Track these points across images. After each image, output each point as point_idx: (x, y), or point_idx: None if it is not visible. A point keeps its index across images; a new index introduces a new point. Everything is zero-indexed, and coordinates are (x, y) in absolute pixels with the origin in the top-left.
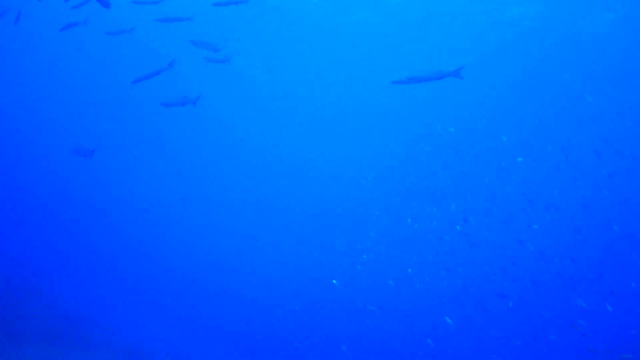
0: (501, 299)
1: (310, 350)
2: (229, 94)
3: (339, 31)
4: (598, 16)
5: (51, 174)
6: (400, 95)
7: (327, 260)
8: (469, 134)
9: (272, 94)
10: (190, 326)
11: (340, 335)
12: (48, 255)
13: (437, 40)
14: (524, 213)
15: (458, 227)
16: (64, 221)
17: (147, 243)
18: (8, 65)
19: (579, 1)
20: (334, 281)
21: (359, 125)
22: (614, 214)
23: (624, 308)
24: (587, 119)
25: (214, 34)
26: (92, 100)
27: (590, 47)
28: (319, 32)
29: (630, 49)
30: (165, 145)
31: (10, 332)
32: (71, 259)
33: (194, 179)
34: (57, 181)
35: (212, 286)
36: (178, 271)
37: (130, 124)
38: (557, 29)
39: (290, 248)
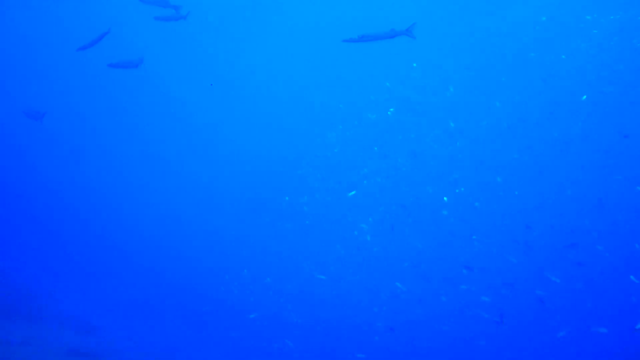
0: (458, 268)
1: (260, 321)
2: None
3: None
4: None
5: None
6: (350, 56)
7: (275, 227)
8: (420, 94)
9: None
10: (137, 300)
11: (289, 304)
12: None
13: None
14: (480, 179)
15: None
16: (14, 194)
17: (99, 217)
18: None
19: None
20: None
21: (307, 87)
22: (570, 183)
23: (591, 281)
24: (539, 80)
25: None
26: (44, 63)
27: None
28: None
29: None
30: (118, 114)
31: None
32: (22, 233)
33: (145, 146)
34: (4, 151)
35: (162, 259)
36: (129, 246)
37: (82, 87)
38: None
39: (237, 215)
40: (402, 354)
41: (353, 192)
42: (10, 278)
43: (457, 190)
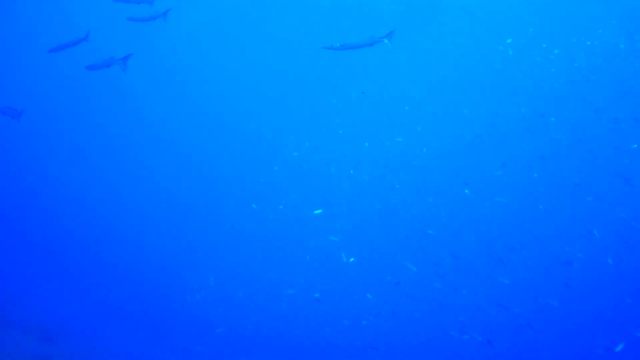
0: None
1: (228, 338)
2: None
3: None
4: None
5: None
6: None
7: (243, 235)
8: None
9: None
10: (102, 307)
11: (255, 317)
12: None
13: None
14: (450, 190)
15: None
16: None
17: (64, 223)
18: None
19: None
20: None
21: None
22: (541, 194)
23: (573, 301)
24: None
25: None
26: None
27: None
28: None
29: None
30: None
31: None
32: None
33: (115, 149)
34: None
35: (128, 267)
36: (94, 253)
37: (60, 86)
38: None
39: (204, 222)
40: None
41: (319, 211)
42: None
43: (428, 200)
